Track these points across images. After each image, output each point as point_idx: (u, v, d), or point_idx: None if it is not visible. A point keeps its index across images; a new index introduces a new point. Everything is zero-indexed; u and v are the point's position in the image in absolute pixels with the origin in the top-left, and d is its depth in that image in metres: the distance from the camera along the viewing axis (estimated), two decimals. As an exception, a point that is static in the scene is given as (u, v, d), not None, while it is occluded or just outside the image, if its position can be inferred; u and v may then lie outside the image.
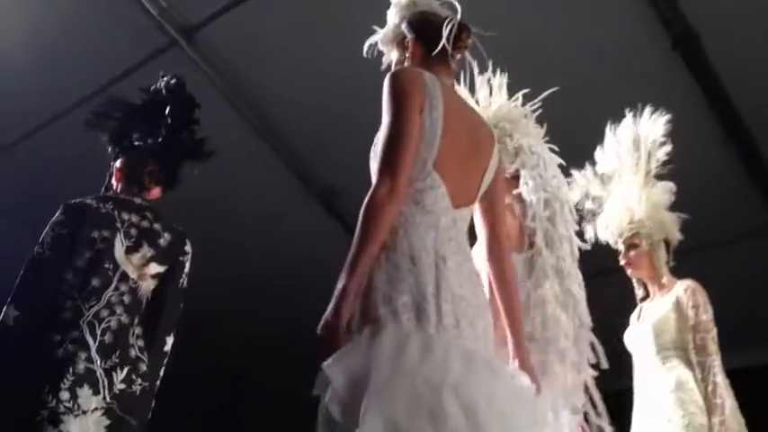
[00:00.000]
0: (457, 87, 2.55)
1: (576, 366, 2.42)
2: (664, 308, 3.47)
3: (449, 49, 2.15)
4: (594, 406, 2.44)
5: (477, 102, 2.80)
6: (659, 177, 3.70)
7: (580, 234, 3.60)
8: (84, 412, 2.54)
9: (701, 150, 4.37)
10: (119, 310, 2.71)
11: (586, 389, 2.45)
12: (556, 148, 2.75)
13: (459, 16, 2.20)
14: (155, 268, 2.86)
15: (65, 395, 2.52)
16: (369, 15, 2.41)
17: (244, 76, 5.12)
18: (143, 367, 2.72)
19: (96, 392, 2.57)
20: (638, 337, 3.56)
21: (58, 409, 2.50)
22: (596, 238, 3.67)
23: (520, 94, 2.84)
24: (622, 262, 3.65)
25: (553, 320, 2.43)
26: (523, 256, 2.58)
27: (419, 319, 1.77)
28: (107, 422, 2.59)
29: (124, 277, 2.76)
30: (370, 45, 2.36)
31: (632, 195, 3.65)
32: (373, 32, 2.38)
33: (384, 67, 2.35)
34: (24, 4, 4.70)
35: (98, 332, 2.63)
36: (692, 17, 4.32)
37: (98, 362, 2.60)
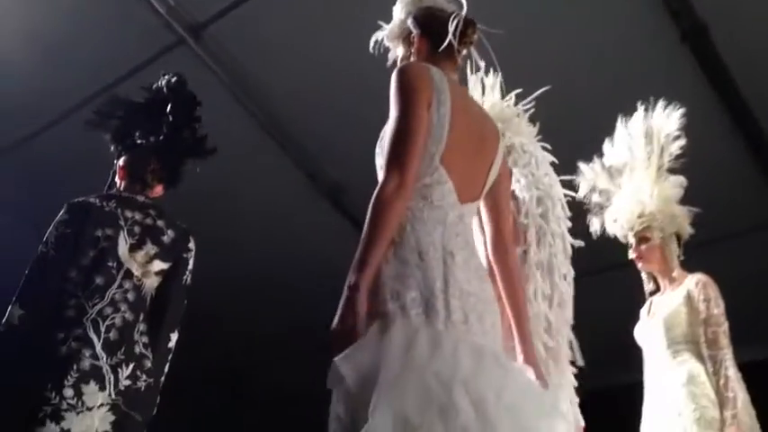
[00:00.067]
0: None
1: (555, 361, 2.43)
2: (674, 302, 3.45)
3: (454, 44, 2.15)
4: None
5: None
6: (671, 171, 3.69)
7: (585, 228, 3.64)
8: (90, 409, 2.56)
9: (709, 143, 4.35)
10: (123, 307, 2.72)
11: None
12: (549, 147, 2.75)
13: (464, 11, 2.20)
14: (158, 265, 2.87)
15: (68, 392, 2.53)
16: (375, 12, 2.41)
17: (251, 74, 5.12)
18: (148, 363, 2.74)
19: (102, 388, 2.59)
20: (648, 331, 3.55)
21: (60, 406, 2.51)
22: (603, 232, 3.68)
23: (513, 94, 2.84)
24: (633, 255, 3.63)
25: (535, 317, 2.44)
26: (517, 251, 2.58)
27: (428, 315, 1.77)
28: (112, 418, 2.61)
29: (128, 275, 2.78)
30: (376, 41, 2.36)
31: (644, 189, 3.63)
32: (380, 29, 2.39)
33: (390, 63, 2.35)
34: (32, 3, 4.72)
35: (102, 329, 2.65)
36: (700, 9, 4.30)
37: (104, 358, 2.62)
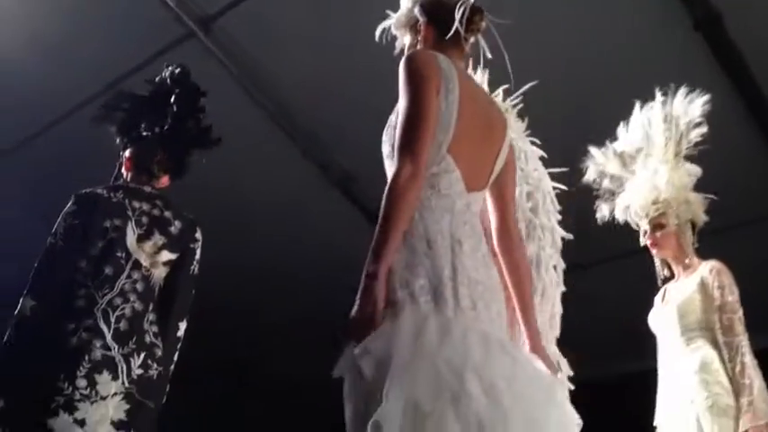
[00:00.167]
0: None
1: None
2: (688, 289, 3.43)
3: (461, 31, 2.14)
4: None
5: None
6: (688, 159, 3.66)
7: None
8: (104, 398, 2.58)
9: (724, 131, 4.30)
10: (132, 297, 2.75)
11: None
12: (537, 141, 2.74)
13: None
14: (166, 256, 2.89)
15: (82, 382, 2.56)
16: (383, 1, 2.40)
17: (261, 66, 5.13)
18: (158, 352, 2.77)
19: (115, 378, 2.62)
20: (662, 318, 3.53)
21: (73, 396, 2.54)
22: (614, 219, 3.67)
23: (500, 90, 2.83)
24: (648, 242, 3.61)
25: None
26: None
27: (436, 302, 1.78)
28: (126, 406, 2.64)
29: (137, 265, 2.80)
30: (384, 29, 2.35)
31: (660, 175, 3.60)
32: (387, 17, 2.38)
33: (397, 51, 2.34)
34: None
35: (112, 320, 2.67)
36: (714, -3, 4.28)
37: (115, 348, 2.64)
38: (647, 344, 3.59)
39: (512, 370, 1.75)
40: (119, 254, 2.77)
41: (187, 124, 3.14)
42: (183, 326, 2.90)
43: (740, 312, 3.29)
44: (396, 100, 2.03)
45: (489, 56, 2.26)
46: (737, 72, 4.60)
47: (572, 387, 2.41)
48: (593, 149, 3.73)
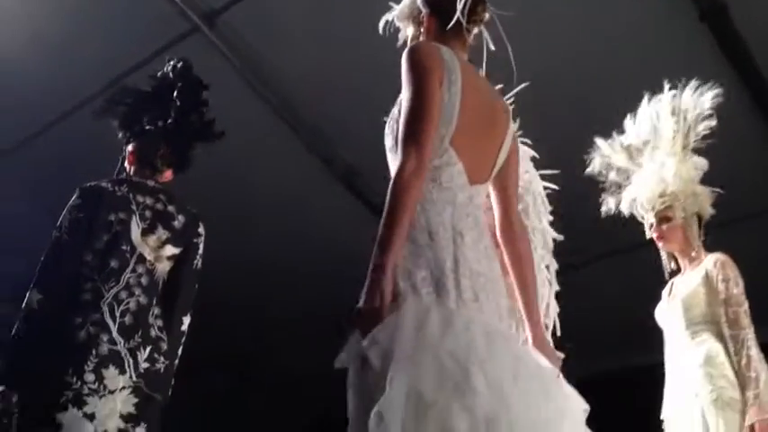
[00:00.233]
0: None
1: None
2: (693, 282, 3.42)
3: (463, 22, 2.13)
4: None
5: None
6: (695, 151, 3.65)
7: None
8: (112, 392, 2.60)
9: (730, 122, 4.29)
10: (137, 291, 2.76)
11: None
12: (529, 141, 2.73)
13: None
14: (170, 250, 2.90)
15: (90, 377, 2.57)
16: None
17: (265, 60, 5.13)
18: (164, 346, 2.79)
19: (122, 372, 2.63)
20: (668, 312, 3.52)
21: (82, 391, 2.55)
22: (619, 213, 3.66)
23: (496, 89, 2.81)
24: (654, 235, 3.59)
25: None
26: None
27: (438, 294, 1.78)
28: (135, 400, 2.66)
29: (141, 259, 2.81)
30: (387, 21, 2.34)
31: (667, 167, 3.59)
32: (391, 10, 2.37)
33: (400, 43, 2.34)
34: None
35: (117, 314, 2.69)
36: (719, -13, 4.26)
37: (121, 343, 2.66)
38: (653, 337, 3.58)
39: (515, 363, 1.76)
40: (124, 247, 2.79)
41: (190, 118, 3.14)
42: (186, 320, 2.92)
43: (745, 305, 3.27)
44: (400, 94, 2.03)
45: (492, 48, 2.25)
46: (743, 63, 4.58)
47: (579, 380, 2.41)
48: (599, 141, 3.71)
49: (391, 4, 2.38)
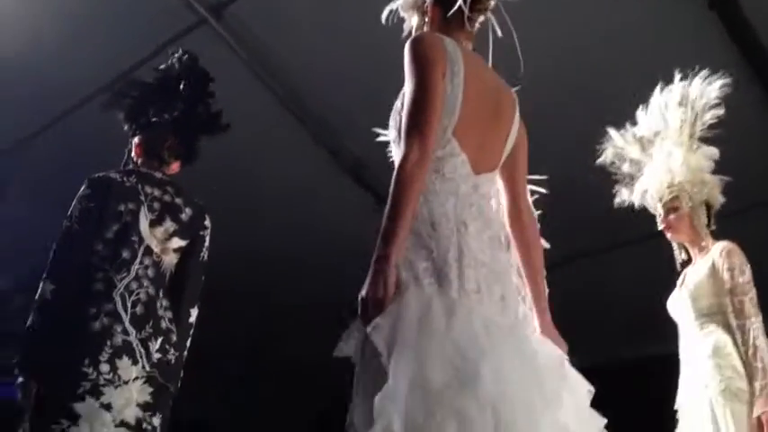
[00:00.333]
0: None
1: None
2: (701, 273, 3.40)
3: (465, 11, 2.12)
4: None
5: None
6: (703, 141, 3.63)
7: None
8: (126, 382, 2.62)
9: (739, 111, 4.26)
10: (145, 282, 2.78)
11: None
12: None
13: None
14: (177, 242, 2.92)
15: (105, 367, 2.59)
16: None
17: (272, 51, 5.13)
18: (174, 338, 2.81)
19: (135, 362, 2.66)
20: (678, 302, 3.51)
21: (98, 381, 2.57)
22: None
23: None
24: (662, 226, 3.57)
25: None
26: None
27: (440, 284, 1.79)
28: (150, 389, 2.69)
29: (148, 251, 2.83)
30: (391, 11, 2.34)
31: (675, 158, 3.57)
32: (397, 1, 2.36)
33: (405, 33, 2.33)
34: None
35: (129, 304, 2.71)
36: (728, -26, 4.23)
37: (133, 333, 2.68)
38: (668, 327, 3.57)
39: (514, 354, 1.77)
40: (133, 238, 2.80)
41: (197, 109, 3.15)
42: (194, 312, 2.94)
43: (752, 293, 3.24)
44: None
45: (500, 34, 2.24)
46: (753, 51, 4.55)
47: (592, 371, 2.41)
48: (612, 132, 3.69)
49: (399, -6, 2.37)
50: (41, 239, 3.14)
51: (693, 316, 3.37)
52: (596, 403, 1.92)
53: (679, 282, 3.60)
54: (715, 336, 3.26)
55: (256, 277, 6.48)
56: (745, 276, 3.27)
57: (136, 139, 3.13)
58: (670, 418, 3.37)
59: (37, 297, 2.67)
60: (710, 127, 3.61)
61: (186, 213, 2.97)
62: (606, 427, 1.89)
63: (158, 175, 3.02)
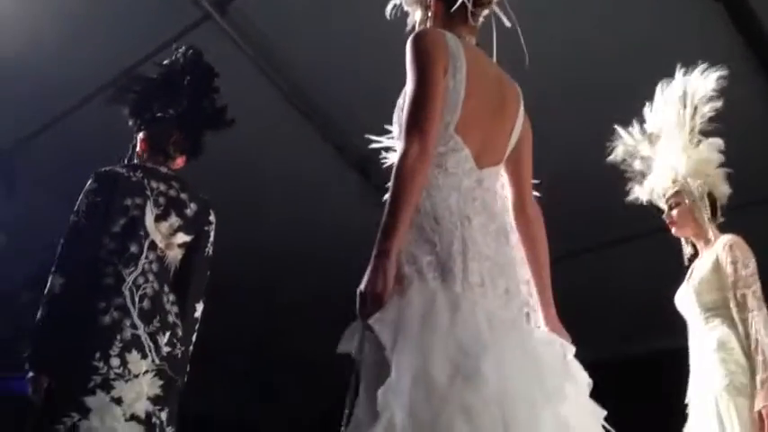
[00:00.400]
0: None
1: None
2: (705, 267, 3.38)
3: (469, 6, 2.12)
4: None
5: None
6: (706, 134, 3.61)
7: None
8: (136, 376, 2.63)
9: (745, 104, 4.26)
10: (151, 277, 2.80)
11: None
12: None
13: None
14: (181, 238, 2.93)
15: (115, 361, 2.61)
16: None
17: (277, 47, 5.13)
18: (180, 332, 2.82)
19: (144, 356, 2.68)
20: (685, 297, 3.49)
21: (109, 375, 2.59)
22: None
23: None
24: (667, 222, 3.57)
25: None
26: None
27: (444, 278, 1.79)
28: (160, 382, 2.71)
29: (153, 246, 2.85)
30: (395, 6, 2.34)
31: (677, 153, 3.56)
32: (402, -4, 2.36)
33: (408, 28, 2.33)
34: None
35: (136, 298, 2.72)
36: (734, -34, 4.21)
37: (141, 327, 2.70)
38: (678, 321, 3.56)
39: (516, 349, 1.77)
40: (141, 232, 2.82)
41: (202, 104, 3.16)
42: (199, 307, 2.95)
43: (755, 286, 3.20)
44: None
45: (508, 24, 2.23)
46: (758, 42, 4.53)
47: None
48: (620, 130, 3.68)
49: (402, -12, 2.36)
50: (41, 238, 3.14)
51: (699, 311, 3.36)
52: (601, 398, 1.91)
53: (687, 276, 3.59)
54: (719, 330, 3.25)
55: (262, 272, 6.50)
56: (749, 269, 3.23)
57: (141, 135, 3.13)
58: (680, 413, 3.36)
59: (46, 291, 2.69)
60: (714, 119, 3.58)
61: (191, 208, 2.98)
62: (614, 421, 1.89)
63: (164, 170, 3.03)
